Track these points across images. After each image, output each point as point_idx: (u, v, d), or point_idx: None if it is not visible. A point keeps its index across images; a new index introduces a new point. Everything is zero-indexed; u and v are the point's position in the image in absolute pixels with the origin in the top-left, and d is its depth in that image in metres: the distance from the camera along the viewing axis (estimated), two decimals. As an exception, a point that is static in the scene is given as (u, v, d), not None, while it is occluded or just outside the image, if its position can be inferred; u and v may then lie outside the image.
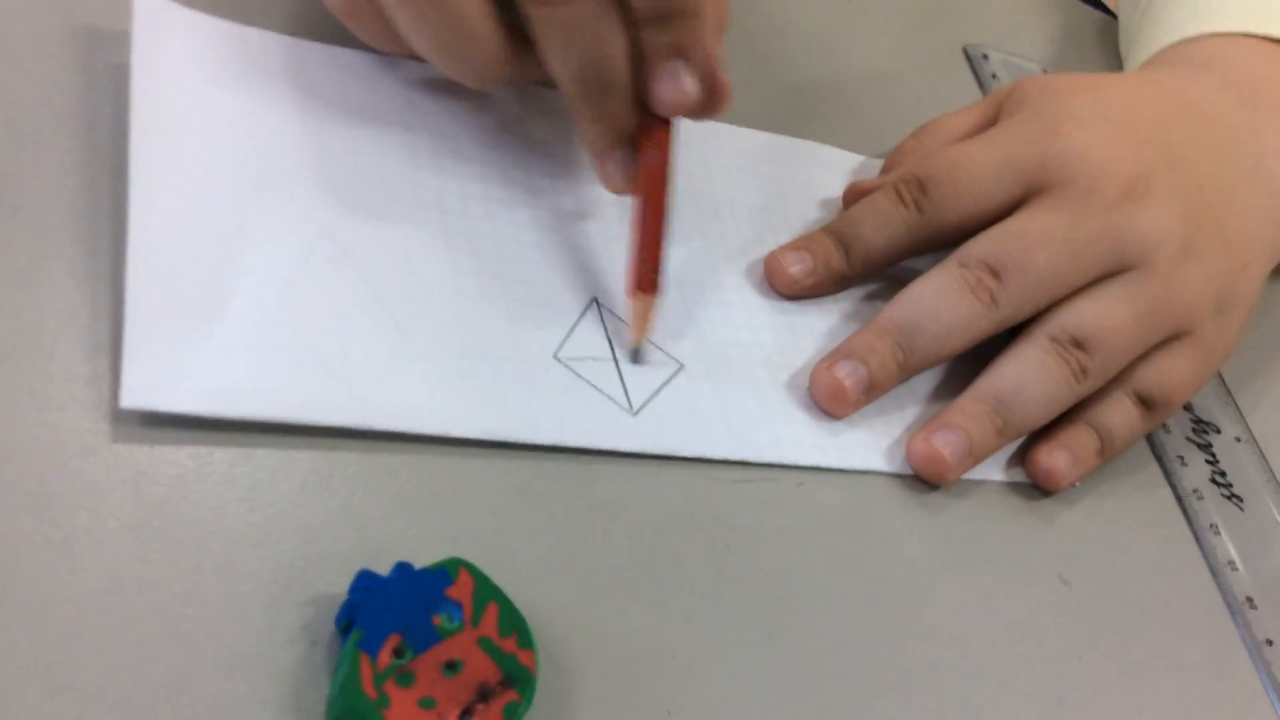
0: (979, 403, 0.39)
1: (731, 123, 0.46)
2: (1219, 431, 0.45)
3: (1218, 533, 0.41)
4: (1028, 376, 0.39)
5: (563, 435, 0.34)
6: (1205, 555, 0.41)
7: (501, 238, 0.38)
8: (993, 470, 0.40)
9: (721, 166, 0.44)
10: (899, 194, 0.41)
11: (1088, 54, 0.62)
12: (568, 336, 0.36)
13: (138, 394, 0.29)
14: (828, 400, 0.38)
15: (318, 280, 0.34)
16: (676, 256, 0.40)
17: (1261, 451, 0.45)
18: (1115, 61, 0.62)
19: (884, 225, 0.41)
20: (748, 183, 0.44)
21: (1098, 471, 0.41)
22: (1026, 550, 0.39)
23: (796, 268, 0.41)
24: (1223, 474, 0.43)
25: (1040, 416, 0.39)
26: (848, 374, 0.38)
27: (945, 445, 0.38)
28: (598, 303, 0.38)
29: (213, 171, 0.34)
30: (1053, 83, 0.44)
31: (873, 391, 0.39)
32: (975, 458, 0.39)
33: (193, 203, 0.33)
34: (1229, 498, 0.43)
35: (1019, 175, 0.40)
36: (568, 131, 0.42)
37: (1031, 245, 0.39)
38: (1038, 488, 0.40)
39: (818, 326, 0.41)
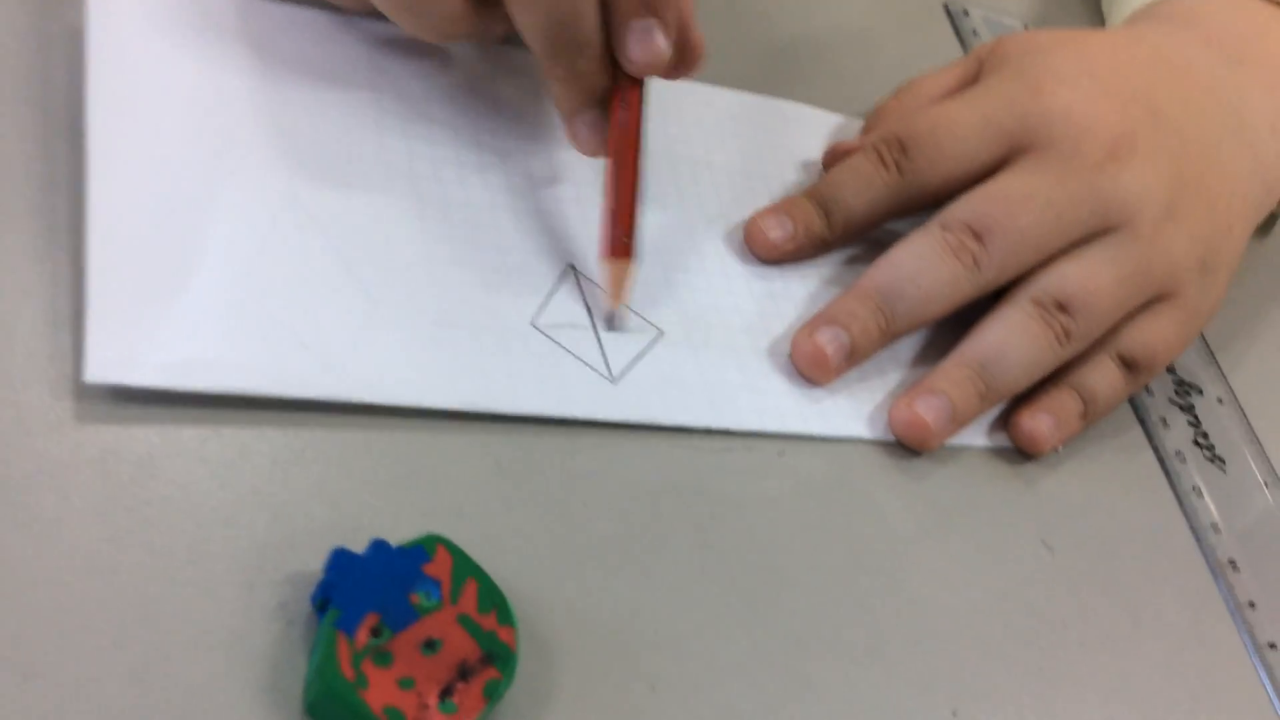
0: (962, 367, 0.38)
1: (708, 83, 0.45)
2: (1201, 393, 0.45)
3: (1200, 495, 0.41)
4: (1011, 340, 0.38)
5: (542, 405, 0.33)
6: (1188, 518, 0.41)
7: (474, 203, 0.37)
8: (975, 436, 0.40)
9: (699, 128, 0.43)
10: (880, 156, 0.40)
11: (1070, 10, 0.61)
12: (545, 304, 0.36)
13: (102, 368, 0.28)
14: (809, 366, 0.38)
15: (285, 249, 0.33)
16: (654, 221, 0.40)
17: (1243, 412, 0.45)
18: (1097, 17, 0.61)
19: (865, 188, 0.40)
20: (726, 145, 0.43)
21: (1080, 435, 0.41)
22: (1010, 516, 0.39)
23: (777, 232, 0.40)
24: (1205, 435, 0.43)
25: (1023, 380, 0.39)
26: (829, 340, 0.38)
27: (928, 410, 0.38)
28: (574, 269, 0.37)
29: (174, 138, 0.33)
30: (1035, 40, 0.43)
31: (854, 357, 0.38)
32: (958, 423, 0.38)
33: (154, 171, 0.32)
34: (1211, 459, 0.42)
35: (1001, 135, 0.39)
36: (538, 92, 0.41)
37: (1014, 207, 0.38)
38: (1020, 452, 0.40)
39: (798, 292, 0.40)
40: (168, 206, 0.32)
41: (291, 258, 0.33)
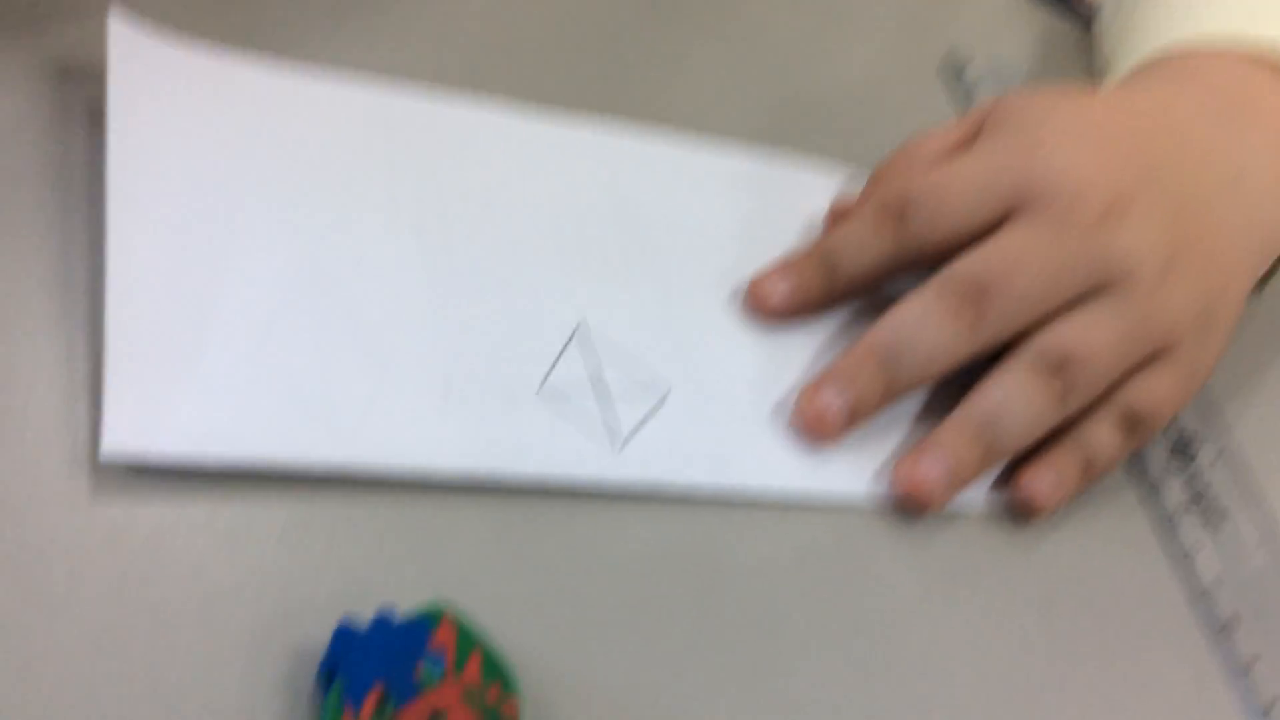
0: (963, 427, 0.39)
1: (711, 136, 0.46)
2: (1198, 450, 0.45)
3: (1198, 553, 0.42)
4: (1011, 400, 0.39)
5: (544, 472, 0.34)
6: (1186, 577, 0.41)
7: (482, 268, 0.38)
8: (973, 499, 0.40)
9: (701, 190, 0.44)
10: (880, 215, 0.41)
11: (1068, 66, 0.62)
12: (552, 369, 0.36)
13: (119, 442, 0.29)
14: (812, 428, 0.38)
15: (298, 319, 0.33)
16: (659, 283, 0.40)
17: (1241, 469, 0.45)
18: (1093, 75, 0.62)
19: (866, 247, 0.41)
20: (728, 206, 0.44)
21: (1078, 496, 0.41)
22: (1009, 581, 0.39)
23: (777, 293, 0.41)
24: (1202, 493, 0.43)
25: (1024, 439, 0.39)
26: (831, 401, 0.38)
27: (931, 470, 0.38)
28: (582, 330, 0.38)
29: (191, 211, 0.34)
30: (1032, 100, 0.44)
31: (856, 417, 0.38)
32: (960, 482, 0.39)
33: (171, 244, 0.33)
34: (1208, 517, 0.43)
35: (999, 195, 0.40)
36: (547, 156, 0.41)
37: (1011, 267, 0.39)
38: (1020, 514, 0.40)
39: (802, 351, 0.41)
40: (184, 279, 0.32)
41: (304, 328, 0.33)
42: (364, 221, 0.37)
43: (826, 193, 0.47)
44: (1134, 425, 0.41)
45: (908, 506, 0.39)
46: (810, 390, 0.39)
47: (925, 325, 0.38)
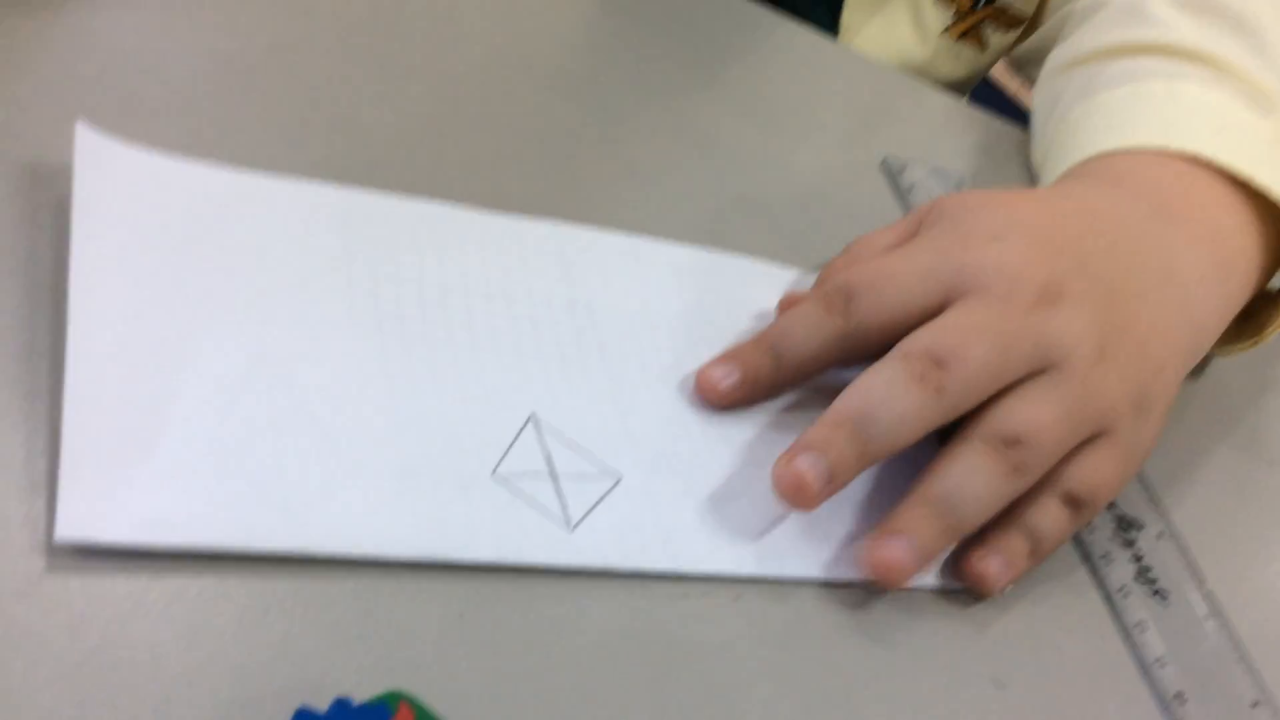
0: (924, 505, 0.40)
1: (660, 237, 0.47)
2: (1142, 528, 0.46)
3: (1145, 629, 0.42)
4: (968, 476, 0.40)
5: (499, 554, 0.35)
6: (1134, 652, 0.42)
7: (438, 359, 0.39)
8: (925, 576, 0.41)
9: (652, 281, 0.45)
10: (827, 302, 0.42)
11: (1005, 167, 0.65)
12: (505, 454, 0.37)
13: (73, 525, 0.29)
14: (791, 494, 0.39)
15: (255, 407, 0.34)
16: (610, 372, 0.41)
17: (1182, 547, 0.46)
18: (1029, 173, 0.65)
19: (812, 333, 0.42)
20: (679, 297, 0.46)
21: (1027, 574, 0.42)
22: (960, 656, 0.39)
23: (726, 381, 0.42)
24: (1147, 570, 0.44)
25: (983, 514, 0.40)
26: (808, 467, 0.39)
27: (897, 550, 0.38)
28: (535, 418, 0.39)
29: (150, 302, 0.35)
30: (969, 199, 0.46)
31: (834, 483, 0.39)
32: (924, 559, 0.39)
33: (131, 332, 0.34)
34: (1154, 594, 0.44)
35: (938, 283, 0.42)
36: (502, 248, 0.43)
37: (967, 337, 0.40)
38: (970, 593, 0.41)
39: (750, 435, 0.42)
40: (142, 368, 0.33)
41: (260, 416, 0.34)
42: (321, 313, 0.38)
43: (773, 285, 0.49)
44: (1077, 504, 0.42)
45: (874, 586, 0.39)
46: (786, 457, 0.39)
47: (892, 392, 0.39)
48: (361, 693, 0.30)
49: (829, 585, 0.39)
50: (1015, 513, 0.41)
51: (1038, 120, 0.64)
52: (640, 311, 0.44)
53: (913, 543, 0.39)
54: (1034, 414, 0.40)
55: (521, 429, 0.38)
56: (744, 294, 0.47)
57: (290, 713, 0.29)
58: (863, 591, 0.40)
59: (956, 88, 0.78)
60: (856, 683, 0.37)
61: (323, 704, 0.30)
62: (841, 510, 0.41)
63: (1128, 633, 0.43)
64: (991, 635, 0.41)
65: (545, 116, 0.51)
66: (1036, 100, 0.65)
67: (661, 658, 0.35)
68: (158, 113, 0.41)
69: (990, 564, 0.41)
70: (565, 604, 0.35)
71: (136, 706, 0.28)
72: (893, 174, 0.58)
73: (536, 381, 0.40)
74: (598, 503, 0.37)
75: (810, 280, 0.49)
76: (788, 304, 0.45)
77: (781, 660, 0.37)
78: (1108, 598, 0.44)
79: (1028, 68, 0.75)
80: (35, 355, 0.33)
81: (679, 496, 0.39)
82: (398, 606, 0.33)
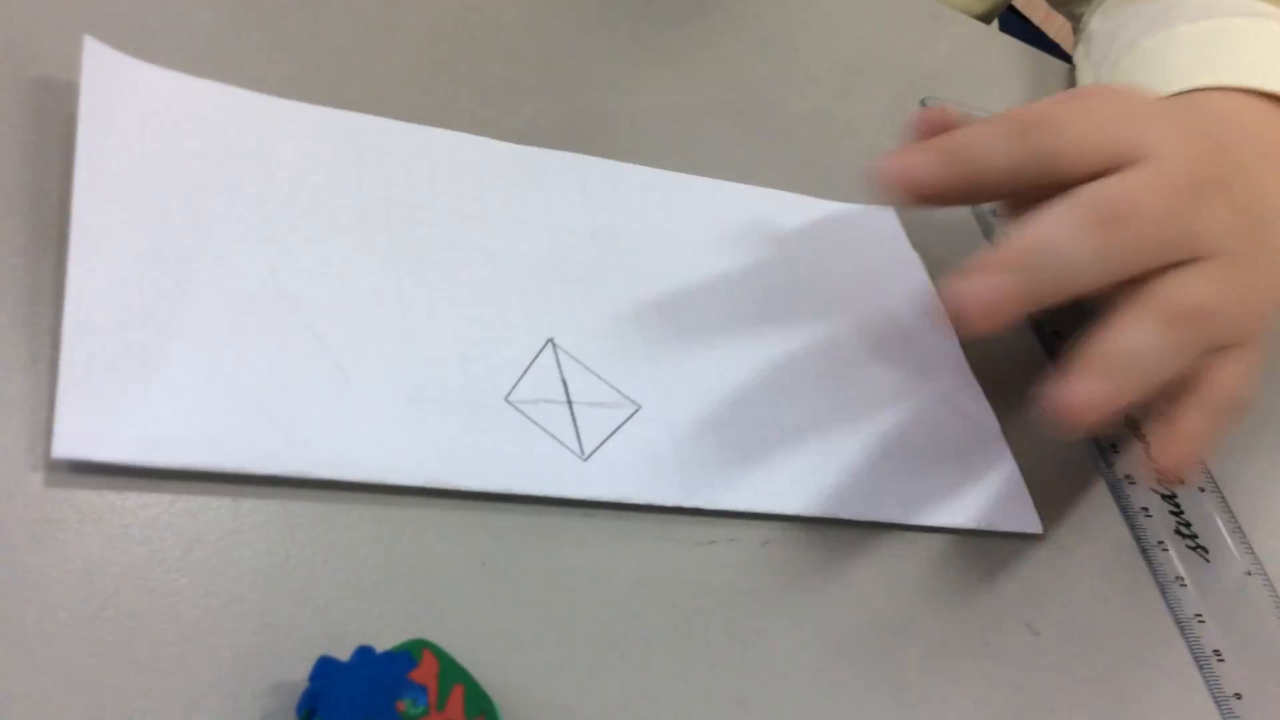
0: (1100, 360, 0.37)
1: (681, 171, 0.46)
2: (1182, 482, 0.45)
3: (1184, 585, 0.41)
4: (1143, 343, 0.37)
5: (511, 483, 0.34)
6: (1171, 608, 0.41)
7: (455, 279, 0.37)
8: (960, 517, 0.40)
9: (678, 212, 0.44)
10: (1012, 123, 0.40)
11: (1045, 93, 0.63)
12: (520, 379, 0.36)
13: (71, 443, 0.29)
14: (973, 311, 0.36)
15: (261, 326, 0.33)
16: (637, 296, 0.40)
17: (1226, 501, 0.45)
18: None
19: (996, 148, 0.39)
20: (705, 227, 0.44)
21: (1063, 523, 0.41)
22: (995, 601, 0.39)
23: (911, 167, 0.39)
24: (1187, 525, 0.43)
25: (1154, 380, 0.38)
26: (979, 288, 0.36)
27: (1088, 390, 0.36)
28: (553, 343, 0.37)
29: (156, 219, 0.34)
30: (1122, 87, 0.45)
31: (998, 311, 0.36)
32: (1109, 406, 0.36)
33: (134, 250, 0.33)
34: (1194, 549, 0.43)
35: (1112, 142, 0.39)
36: (521, 174, 0.41)
37: (1151, 198, 0.38)
38: (1014, 537, 0.40)
39: (777, 368, 0.41)
40: (146, 285, 0.32)
41: (266, 336, 0.33)
42: (331, 235, 0.36)
43: (804, 216, 0.47)
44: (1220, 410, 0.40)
45: (1061, 424, 0.37)
46: (965, 279, 0.36)
47: (1070, 233, 0.37)
48: (384, 641, 0.29)
49: (858, 529, 0.38)
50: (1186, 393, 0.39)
51: (1096, 46, 0.61)
52: (665, 241, 0.43)
53: (1096, 387, 0.36)
54: (1203, 295, 0.38)
55: (538, 353, 0.37)
56: (773, 225, 0.46)
57: (312, 661, 0.28)
58: (893, 535, 0.39)
59: (983, 18, 0.75)
60: (889, 629, 0.36)
61: (345, 653, 0.29)
62: (868, 449, 0.40)
63: (1165, 588, 0.42)
64: (1027, 582, 0.40)
65: (565, 50, 0.49)
66: (1095, 25, 0.62)
67: (688, 605, 0.34)
68: (166, 41, 0.39)
69: (1176, 441, 0.39)
70: (588, 551, 0.34)
71: (153, 655, 0.27)
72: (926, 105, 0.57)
73: (555, 306, 0.39)
74: (614, 432, 0.36)
75: (840, 210, 0.47)
76: (935, 124, 0.42)
77: (811, 607, 0.36)
78: (1145, 551, 0.43)
79: (1070, 3, 0.73)
80: (39, 273, 0.32)
81: (700, 429, 0.38)
82: (419, 556, 0.32)
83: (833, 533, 0.38)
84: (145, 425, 0.30)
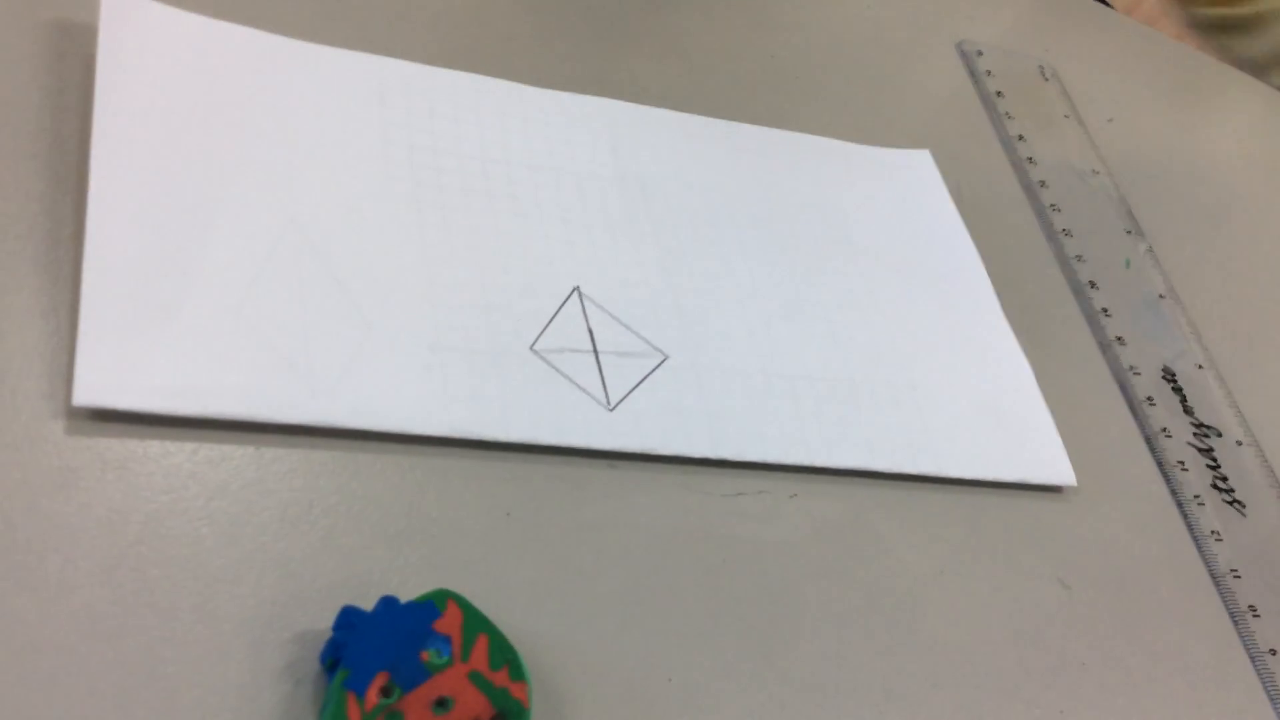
0: None
1: (710, 115, 0.45)
2: (1220, 435, 0.44)
3: (1219, 539, 0.41)
4: None
5: (535, 433, 0.33)
6: (1206, 562, 0.41)
7: (479, 226, 0.37)
8: (993, 469, 0.39)
9: (708, 158, 0.43)
10: None
11: (1085, 48, 0.61)
12: (546, 328, 0.35)
13: (92, 391, 0.28)
14: None
15: (282, 274, 0.33)
16: (665, 245, 0.39)
17: (1264, 455, 0.44)
18: (1113, 57, 0.61)
19: None
20: (735, 173, 0.43)
21: (1097, 476, 0.40)
22: (1026, 555, 0.38)
23: None
24: (1224, 479, 0.42)
25: None
26: None
27: None
28: (580, 292, 0.37)
29: (176, 164, 0.33)
30: None
31: None
32: None
33: (154, 196, 0.32)
34: (1230, 503, 0.42)
35: None
36: (547, 120, 0.41)
37: None
38: (1047, 490, 0.39)
39: (812, 314, 0.40)
40: (166, 232, 0.32)
41: (289, 284, 0.33)
42: (354, 181, 0.36)
43: (837, 161, 0.46)
44: None
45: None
46: None
47: None
48: (407, 591, 0.29)
49: (888, 481, 0.38)
50: None
51: None
52: (693, 187, 0.42)
53: None
54: None
55: (564, 302, 0.36)
56: (804, 170, 0.45)
57: (335, 611, 0.28)
58: (922, 488, 0.38)
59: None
60: (918, 582, 0.36)
61: (368, 603, 0.29)
62: (900, 399, 0.39)
63: (1201, 542, 0.41)
64: (1059, 536, 0.39)
65: (597, -13, 0.48)
66: None
67: (716, 557, 0.34)
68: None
69: None
70: (615, 502, 0.33)
71: (176, 604, 0.27)
72: (968, 57, 0.55)
73: (581, 254, 0.38)
74: (640, 382, 0.35)
75: (873, 154, 0.46)
76: None
77: (840, 558, 0.35)
78: (1180, 504, 0.42)
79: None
80: (59, 218, 0.31)
81: (727, 379, 0.37)
82: (444, 507, 0.31)
83: (862, 485, 0.37)
84: (167, 373, 0.29)
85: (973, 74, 0.55)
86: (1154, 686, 0.37)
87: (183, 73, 0.35)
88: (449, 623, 0.28)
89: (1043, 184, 0.51)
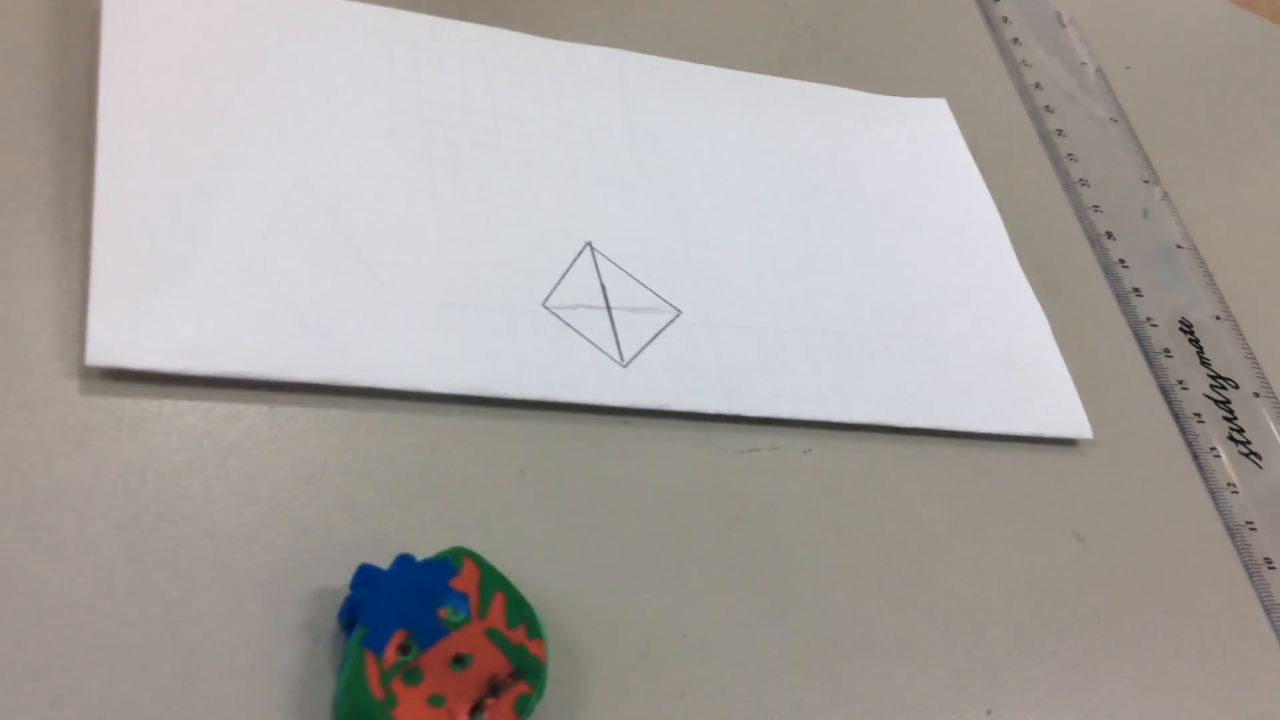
0: None
1: (722, 66, 0.44)
2: (1237, 387, 0.44)
3: (1235, 491, 0.41)
4: None
5: (549, 390, 0.33)
6: (1222, 514, 0.40)
7: (489, 181, 0.36)
8: (1007, 423, 0.39)
9: (720, 109, 0.43)
10: None
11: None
12: (558, 283, 0.35)
13: (105, 350, 0.28)
14: None
15: (294, 232, 0.32)
16: (678, 199, 0.39)
17: (1273, 415, 0.44)
18: (1131, 3, 0.60)
19: None
20: (747, 124, 0.43)
21: (1112, 428, 0.40)
22: (1040, 508, 0.38)
23: None
24: (1240, 430, 0.42)
25: None
26: None
27: None
28: (592, 247, 0.36)
29: (184, 121, 0.33)
30: None
31: None
32: None
33: (163, 152, 0.32)
34: (1247, 455, 0.42)
35: None
36: (557, 72, 0.40)
37: None
38: (1063, 442, 0.39)
39: (826, 267, 0.40)
40: (176, 190, 0.32)
41: (299, 241, 0.32)
42: (364, 137, 0.35)
43: (850, 111, 0.45)
44: None
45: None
46: None
47: None
48: (422, 549, 0.29)
49: (903, 436, 0.38)
50: None
51: None
52: (705, 138, 0.41)
53: None
54: None
55: (576, 257, 0.36)
56: (818, 120, 0.44)
57: (352, 569, 0.28)
58: (937, 442, 0.38)
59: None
60: (931, 537, 0.36)
61: (384, 560, 0.29)
62: (914, 352, 0.39)
63: (1216, 495, 0.41)
64: (1073, 489, 0.39)
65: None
66: None
67: (731, 512, 0.34)
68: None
69: None
70: (630, 459, 0.33)
71: (193, 562, 0.27)
72: (985, 3, 0.54)
73: (593, 209, 0.38)
74: (654, 338, 0.35)
75: (891, 105, 0.45)
76: None
77: (854, 514, 0.35)
78: (1196, 456, 0.42)
79: None
80: (68, 175, 0.31)
81: (741, 334, 0.37)
82: (459, 463, 0.31)
83: (877, 440, 0.37)
84: (179, 331, 0.29)
85: (989, 20, 0.54)
86: (1168, 639, 0.37)
87: (190, 27, 0.35)
88: (465, 580, 0.28)
89: (1059, 132, 0.50)
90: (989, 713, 0.33)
